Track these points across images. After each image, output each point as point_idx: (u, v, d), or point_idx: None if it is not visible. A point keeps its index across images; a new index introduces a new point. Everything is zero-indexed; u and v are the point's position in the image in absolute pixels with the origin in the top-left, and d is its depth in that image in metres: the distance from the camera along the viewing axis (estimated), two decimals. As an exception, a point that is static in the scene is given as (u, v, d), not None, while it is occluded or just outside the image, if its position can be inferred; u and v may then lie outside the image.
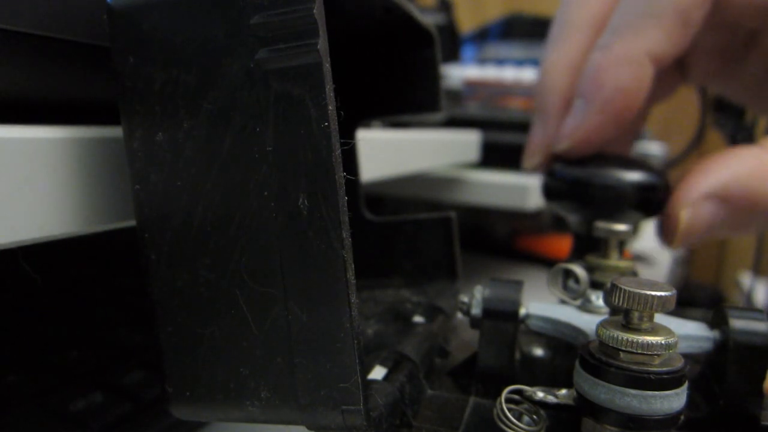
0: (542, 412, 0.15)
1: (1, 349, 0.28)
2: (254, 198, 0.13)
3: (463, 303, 0.18)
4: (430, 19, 0.22)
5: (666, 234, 0.22)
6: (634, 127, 0.29)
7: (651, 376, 0.13)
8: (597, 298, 0.19)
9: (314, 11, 0.12)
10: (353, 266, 0.12)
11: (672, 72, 0.29)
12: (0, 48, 0.14)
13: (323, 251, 0.12)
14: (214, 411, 0.14)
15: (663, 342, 0.13)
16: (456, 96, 0.57)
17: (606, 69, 0.23)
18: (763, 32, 0.26)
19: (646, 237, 0.67)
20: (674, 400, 0.13)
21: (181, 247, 0.13)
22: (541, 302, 0.19)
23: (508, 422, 0.14)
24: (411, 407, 0.16)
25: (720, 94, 0.32)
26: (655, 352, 0.13)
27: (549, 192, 0.24)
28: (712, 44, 0.27)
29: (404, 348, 0.17)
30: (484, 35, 0.75)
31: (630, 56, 0.23)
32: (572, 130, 0.24)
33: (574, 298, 0.19)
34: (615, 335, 0.14)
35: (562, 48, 0.26)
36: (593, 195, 0.22)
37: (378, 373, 0.16)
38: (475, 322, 0.18)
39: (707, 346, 0.17)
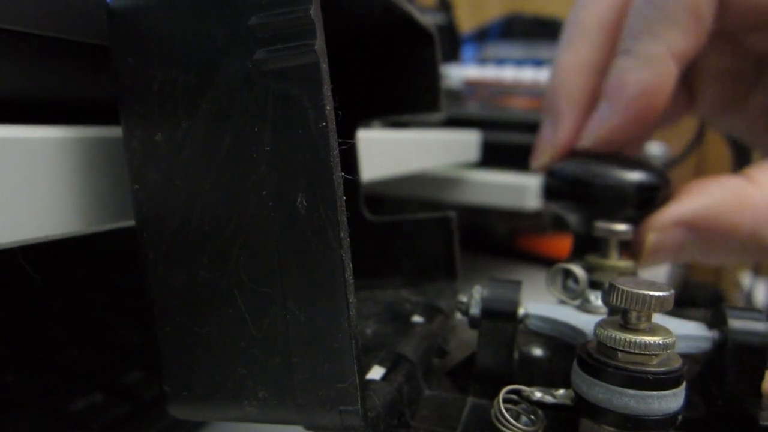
0: (540, 412, 0.15)
1: (1, 349, 0.28)
2: (252, 198, 0.13)
3: (462, 303, 0.18)
4: (430, 19, 0.22)
5: (633, 253, 0.23)
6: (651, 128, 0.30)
7: (649, 376, 0.13)
8: (596, 298, 0.19)
9: (311, 12, 0.12)
10: (351, 266, 0.12)
11: (679, 98, 0.30)
12: (0, 48, 0.14)
13: (321, 251, 0.12)
14: (212, 410, 0.14)
15: (661, 342, 0.13)
16: (456, 96, 0.57)
17: (630, 70, 0.24)
18: None
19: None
20: (672, 400, 0.13)
21: (180, 246, 0.13)
22: (540, 302, 0.19)
23: (505, 422, 0.14)
24: (409, 407, 0.16)
25: (726, 132, 0.32)
26: (653, 352, 0.14)
27: (549, 192, 0.24)
28: (720, 69, 0.28)
29: (403, 348, 0.17)
30: (484, 35, 0.75)
31: (652, 57, 0.23)
32: (596, 128, 0.24)
33: (573, 298, 0.19)
34: (613, 335, 0.14)
35: (574, 50, 0.26)
36: (593, 195, 0.22)
37: (376, 372, 0.16)
38: (473, 322, 0.18)
39: (706, 346, 0.17)
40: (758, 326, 0.16)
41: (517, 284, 0.18)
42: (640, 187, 0.22)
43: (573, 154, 0.25)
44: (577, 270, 0.19)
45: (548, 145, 0.26)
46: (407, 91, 0.24)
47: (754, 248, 0.21)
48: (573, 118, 0.25)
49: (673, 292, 0.14)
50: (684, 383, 0.14)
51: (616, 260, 0.20)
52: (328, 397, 0.12)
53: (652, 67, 0.23)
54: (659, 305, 0.14)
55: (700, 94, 0.29)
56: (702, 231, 0.21)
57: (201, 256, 0.13)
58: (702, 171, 1.01)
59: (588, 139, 0.24)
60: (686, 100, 0.30)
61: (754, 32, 0.26)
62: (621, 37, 0.25)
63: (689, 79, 0.29)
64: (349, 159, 0.25)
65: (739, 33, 0.26)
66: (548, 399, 0.15)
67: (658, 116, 0.24)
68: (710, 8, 0.23)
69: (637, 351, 0.14)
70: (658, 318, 0.15)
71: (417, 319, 0.21)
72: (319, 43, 0.12)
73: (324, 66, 0.12)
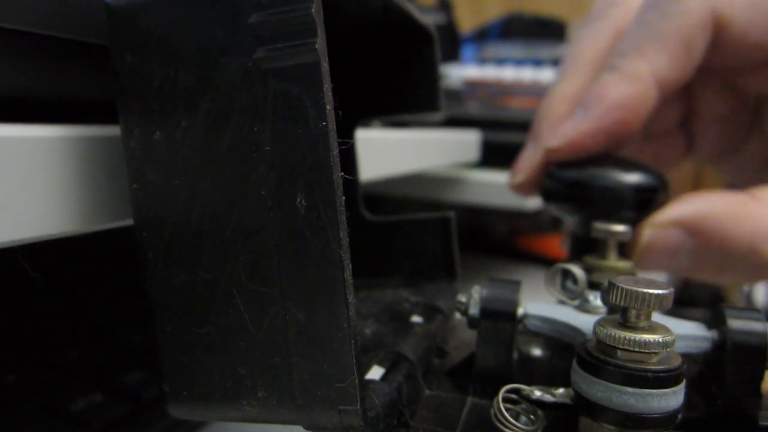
0: (540, 411, 0.15)
1: (1, 349, 0.28)
2: (252, 197, 0.13)
3: (461, 303, 0.18)
4: (429, 19, 0.22)
5: (630, 250, 0.23)
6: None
7: (648, 374, 0.13)
8: (595, 299, 0.19)
9: (312, 10, 0.12)
10: (351, 266, 0.12)
11: (678, 143, 0.30)
12: (0, 47, 0.14)
13: (321, 251, 0.12)
14: (211, 410, 0.14)
15: (660, 340, 0.13)
16: (456, 96, 0.57)
17: (611, 84, 0.24)
18: (766, 106, 0.27)
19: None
20: (672, 399, 0.13)
21: (179, 246, 0.13)
22: (539, 302, 0.19)
23: (505, 422, 0.14)
24: (408, 407, 0.16)
25: (724, 177, 0.33)
26: (653, 350, 0.13)
27: (547, 193, 0.24)
28: (718, 113, 0.28)
29: (402, 348, 0.17)
30: (483, 35, 0.75)
31: (634, 74, 0.24)
32: (566, 130, 0.24)
33: (572, 298, 0.19)
34: (612, 333, 0.14)
35: (566, 82, 0.27)
36: (591, 196, 0.22)
37: (375, 373, 0.16)
38: (472, 322, 0.18)
39: (705, 346, 0.17)
40: (757, 326, 0.16)
41: (516, 284, 0.18)
42: (638, 189, 0.22)
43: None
44: (577, 270, 0.19)
45: (526, 165, 0.26)
46: (407, 91, 0.24)
47: (751, 262, 0.20)
48: None
49: (672, 290, 0.14)
50: (684, 381, 0.14)
51: (614, 261, 0.20)
52: (327, 397, 0.12)
53: (634, 84, 0.24)
54: (659, 303, 0.14)
55: (699, 138, 0.30)
56: (700, 236, 0.21)
57: (200, 256, 0.13)
58: (701, 173, 1.01)
59: (556, 139, 0.24)
60: (685, 144, 0.30)
61: (752, 73, 0.26)
62: (610, 57, 0.25)
63: (688, 123, 0.30)
64: (349, 159, 0.25)
65: (736, 73, 0.26)
66: (548, 398, 0.15)
67: (630, 134, 0.24)
68: (703, 41, 0.24)
69: (636, 349, 0.13)
70: (657, 318, 0.15)
71: (416, 319, 0.21)
72: (320, 42, 0.12)
73: (325, 65, 0.12)
